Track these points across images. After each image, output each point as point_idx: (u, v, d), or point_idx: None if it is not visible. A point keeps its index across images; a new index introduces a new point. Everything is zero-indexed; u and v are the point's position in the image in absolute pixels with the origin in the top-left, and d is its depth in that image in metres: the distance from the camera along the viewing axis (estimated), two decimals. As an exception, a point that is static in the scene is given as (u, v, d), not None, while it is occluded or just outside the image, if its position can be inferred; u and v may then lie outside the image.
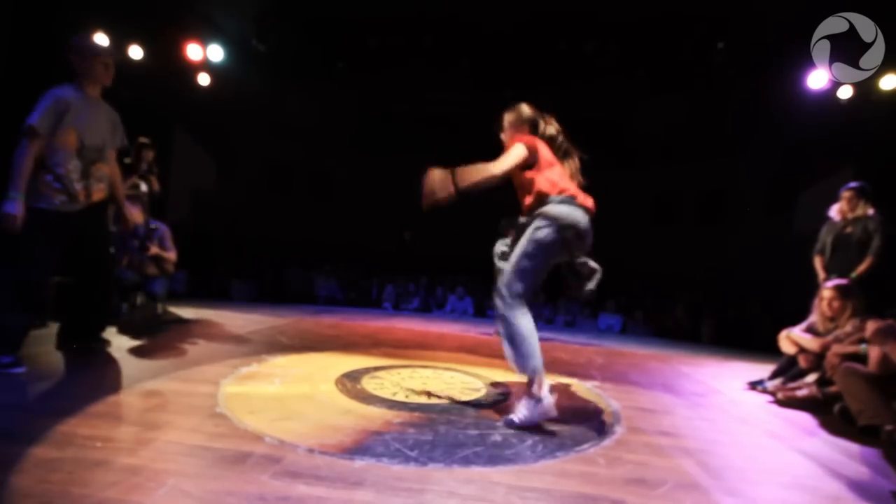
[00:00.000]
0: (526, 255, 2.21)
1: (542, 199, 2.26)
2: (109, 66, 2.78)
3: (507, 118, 2.53)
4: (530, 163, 2.30)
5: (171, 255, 4.27)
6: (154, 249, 4.13)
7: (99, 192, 2.81)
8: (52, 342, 2.91)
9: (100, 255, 2.91)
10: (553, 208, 2.22)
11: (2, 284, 2.52)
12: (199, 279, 7.63)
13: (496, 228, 4.65)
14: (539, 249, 2.20)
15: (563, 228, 2.20)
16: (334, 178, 11.28)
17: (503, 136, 2.55)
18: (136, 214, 4.11)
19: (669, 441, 2.15)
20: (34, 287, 2.58)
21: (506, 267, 2.28)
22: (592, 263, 2.43)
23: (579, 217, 2.24)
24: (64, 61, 2.72)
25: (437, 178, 2.07)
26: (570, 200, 2.27)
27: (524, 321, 2.18)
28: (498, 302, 2.23)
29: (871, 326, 2.64)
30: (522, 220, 2.36)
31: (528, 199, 2.33)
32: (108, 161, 2.85)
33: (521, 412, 2.14)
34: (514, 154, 2.26)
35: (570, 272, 2.46)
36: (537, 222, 2.23)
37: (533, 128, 2.47)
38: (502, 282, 2.24)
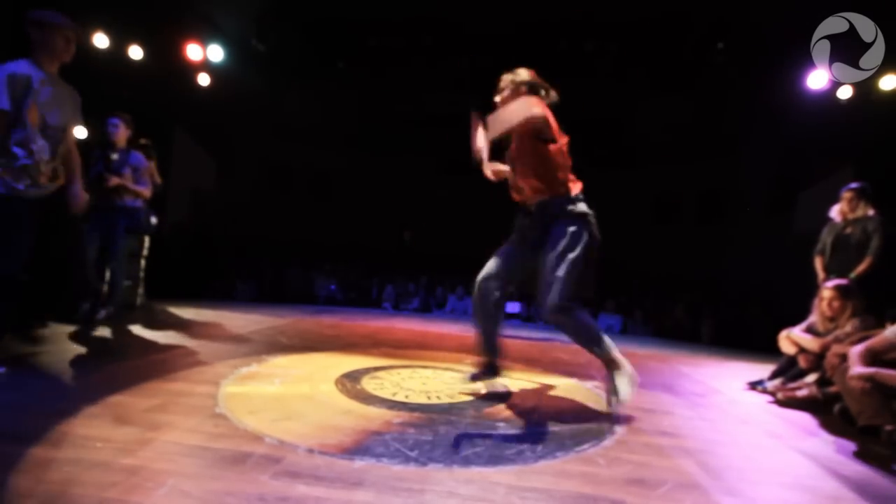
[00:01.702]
0: (575, 263, 2.24)
1: (566, 194, 2.30)
2: (71, 40, 2.58)
3: (506, 80, 2.48)
4: (544, 134, 2.28)
5: (145, 190, 4.14)
6: (115, 180, 3.91)
7: (62, 176, 2.66)
8: (52, 342, 2.91)
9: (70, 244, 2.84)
10: (584, 207, 2.30)
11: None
12: (199, 279, 7.62)
13: (496, 228, 4.65)
14: (584, 253, 2.25)
15: (592, 226, 2.28)
16: (334, 178, 11.28)
17: (498, 99, 2.49)
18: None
19: (669, 441, 2.14)
20: (7, 280, 2.44)
21: (554, 277, 2.25)
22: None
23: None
24: (24, 32, 2.55)
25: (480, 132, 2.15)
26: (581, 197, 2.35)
27: (583, 315, 2.32)
28: (559, 316, 2.26)
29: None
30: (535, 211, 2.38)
31: (546, 185, 2.33)
32: (68, 139, 2.70)
33: (623, 388, 2.28)
34: (537, 109, 2.20)
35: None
36: (571, 226, 2.27)
37: (533, 93, 2.41)
38: (559, 295, 2.23)
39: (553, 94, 2.47)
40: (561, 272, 2.23)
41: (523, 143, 2.36)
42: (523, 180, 2.42)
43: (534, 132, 2.29)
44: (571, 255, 2.22)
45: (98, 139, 4.12)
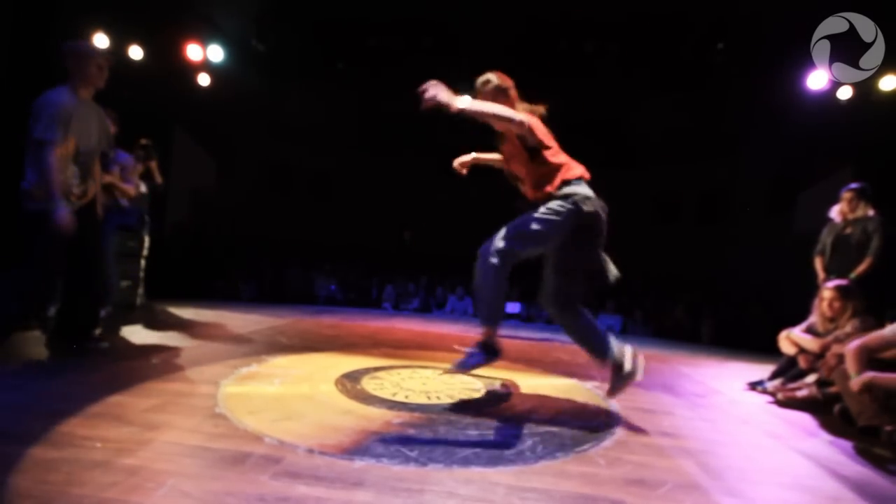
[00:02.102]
0: (535, 220, 2.21)
1: (564, 184, 2.26)
2: (103, 67, 2.77)
3: (480, 84, 2.48)
4: (533, 143, 2.27)
5: (129, 188, 4.17)
6: (107, 178, 3.94)
7: (92, 190, 2.85)
8: (52, 342, 2.91)
9: (92, 251, 2.92)
10: (575, 189, 2.24)
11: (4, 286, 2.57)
12: (199, 279, 7.62)
13: (496, 229, 4.65)
14: (555, 223, 2.20)
15: (580, 203, 2.20)
16: (334, 178, 11.28)
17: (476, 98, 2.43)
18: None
19: (669, 441, 2.14)
20: (39, 288, 2.64)
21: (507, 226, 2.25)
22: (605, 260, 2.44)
23: (590, 192, 2.27)
24: (60, 62, 2.72)
25: (443, 89, 2.10)
26: (580, 181, 2.29)
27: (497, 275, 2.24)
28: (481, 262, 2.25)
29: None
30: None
31: (540, 188, 2.30)
32: (97, 162, 2.90)
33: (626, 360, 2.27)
34: (522, 116, 2.23)
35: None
36: (557, 202, 2.22)
37: (503, 95, 2.41)
38: (497, 238, 2.24)
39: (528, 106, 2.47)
40: (514, 223, 2.25)
41: (513, 145, 2.36)
42: (520, 180, 2.44)
43: (518, 138, 2.30)
44: (535, 215, 2.21)
45: None
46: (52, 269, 2.68)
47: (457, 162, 2.72)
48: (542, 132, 2.32)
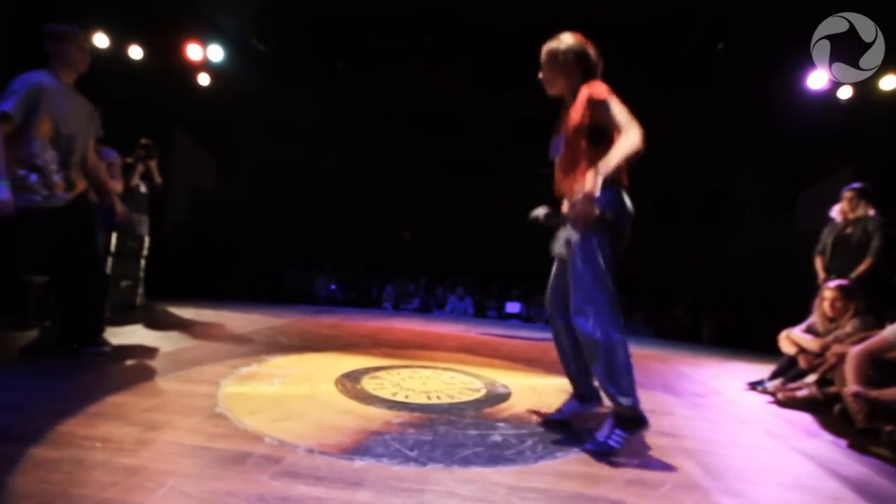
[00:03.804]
0: (586, 269, 1.94)
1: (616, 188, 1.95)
2: (84, 50, 2.68)
3: (546, 51, 2.12)
4: (604, 121, 1.92)
5: (116, 184, 4.09)
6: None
7: (81, 183, 2.73)
8: (52, 342, 2.91)
9: (87, 250, 2.83)
10: (622, 197, 1.97)
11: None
12: (199, 279, 7.62)
13: (496, 229, 4.65)
14: (597, 262, 1.93)
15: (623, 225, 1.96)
16: (334, 178, 11.28)
17: (541, 76, 2.15)
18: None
19: (669, 441, 2.14)
20: (6, 284, 2.55)
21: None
22: None
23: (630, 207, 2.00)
24: (40, 46, 2.63)
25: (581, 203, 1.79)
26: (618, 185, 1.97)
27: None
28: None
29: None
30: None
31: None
32: (86, 150, 2.77)
33: (614, 435, 1.90)
34: (618, 107, 1.89)
35: None
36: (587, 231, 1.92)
37: (585, 67, 2.05)
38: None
39: (600, 58, 2.12)
40: (577, 288, 1.94)
41: (576, 142, 2.01)
42: (568, 185, 2.06)
43: (589, 119, 1.96)
44: (581, 262, 1.93)
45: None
46: (16, 265, 2.57)
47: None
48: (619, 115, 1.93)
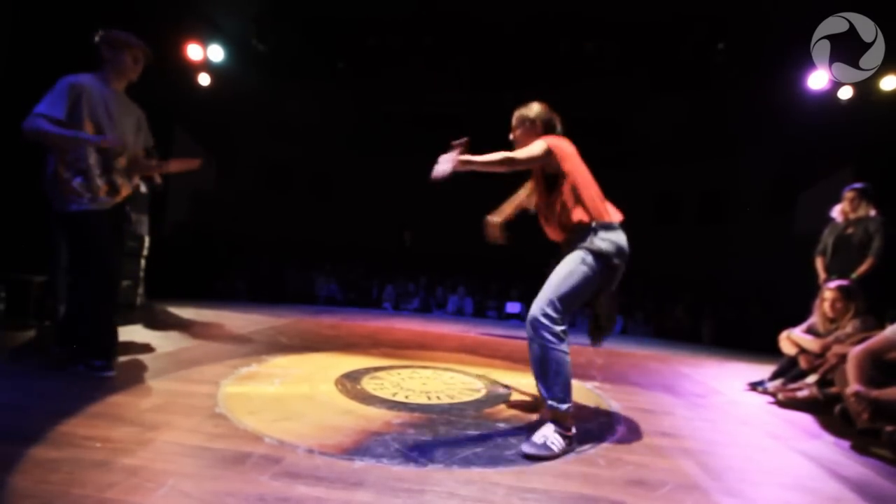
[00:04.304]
0: (569, 276, 2.02)
1: (584, 227, 2.06)
2: (139, 59, 2.65)
3: (517, 116, 2.30)
4: (553, 169, 2.09)
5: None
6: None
7: (125, 189, 2.66)
8: (52, 343, 2.90)
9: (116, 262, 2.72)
10: (601, 242, 2.03)
11: (82, 295, 2.51)
12: (199, 279, 7.62)
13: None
14: (585, 278, 2.01)
15: (610, 259, 2.03)
16: (334, 178, 11.28)
17: (512, 137, 2.33)
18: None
19: (670, 442, 2.14)
20: (115, 287, 2.54)
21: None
22: (614, 309, 2.28)
23: (624, 244, 2.08)
24: (95, 50, 2.58)
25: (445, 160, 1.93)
26: (615, 226, 2.09)
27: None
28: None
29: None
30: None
31: (567, 227, 2.11)
32: (134, 156, 2.72)
33: (548, 438, 1.91)
34: (536, 147, 2.06)
35: (590, 312, 2.29)
36: (582, 255, 2.03)
37: (548, 129, 2.25)
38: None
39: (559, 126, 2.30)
40: (550, 285, 2.03)
41: (537, 179, 2.23)
42: (552, 224, 2.22)
43: (542, 170, 2.16)
44: (568, 270, 2.02)
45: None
46: (111, 266, 2.54)
47: (491, 235, 2.49)
48: (570, 159, 2.11)
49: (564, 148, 2.12)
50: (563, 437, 1.93)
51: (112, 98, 2.57)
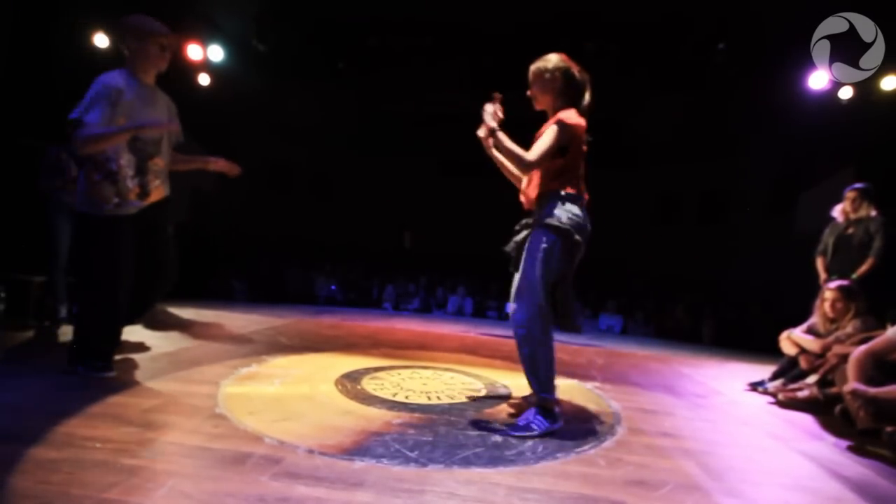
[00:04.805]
0: (532, 265, 2.10)
1: (551, 195, 2.12)
2: (166, 48, 2.47)
3: (533, 70, 2.26)
4: (563, 149, 2.10)
5: None
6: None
7: (157, 191, 2.54)
8: (52, 342, 2.90)
9: (157, 258, 2.61)
10: (563, 213, 2.09)
11: (90, 302, 2.45)
12: (199, 279, 7.62)
13: (496, 229, 4.66)
14: (546, 260, 2.08)
15: (569, 236, 2.08)
16: (334, 178, 11.27)
17: (529, 93, 2.29)
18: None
19: (670, 442, 2.14)
20: (120, 297, 2.42)
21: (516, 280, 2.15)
22: (570, 296, 2.29)
23: (584, 219, 2.15)
24: (119, 41, 2.46)
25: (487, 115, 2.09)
26: (578, 199, 2.15)
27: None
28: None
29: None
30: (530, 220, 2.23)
31: (536, 189, 2.18)
32: (169, 154, 2.59)
33: (535, 423, 2.06)
34: (548, 140, 2.07)
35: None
36: (540, 233, 2.11)
37: (568, 82, 2.20)
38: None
39: (586, 76, 2.26)
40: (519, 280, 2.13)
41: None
42: (527, 188, 2.29)
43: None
44: (530, 260, 2.10)
45: (51, 136, 3.92)
46: (123, 274, 2.43)
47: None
48: (575, 143, 2.14)
49: (575, 133, 2.12)
50: (547, 419, 2.08)
51: (144, 93, 2.45)
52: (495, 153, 2.29)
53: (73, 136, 2.26)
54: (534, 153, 2.08)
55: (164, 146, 2.56)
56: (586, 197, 2.22)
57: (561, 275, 2.16)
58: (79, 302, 2.65)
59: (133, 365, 2.75)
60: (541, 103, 2.30)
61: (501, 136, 2.08)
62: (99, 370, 2.42)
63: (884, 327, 2.74)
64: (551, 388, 2.13)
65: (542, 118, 2.33)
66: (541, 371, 2.11)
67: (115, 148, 2.34)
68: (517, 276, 2.18)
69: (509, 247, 2.33)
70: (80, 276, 2.74)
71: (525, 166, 2.11)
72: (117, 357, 2.82)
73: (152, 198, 2.52)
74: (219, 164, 2.81)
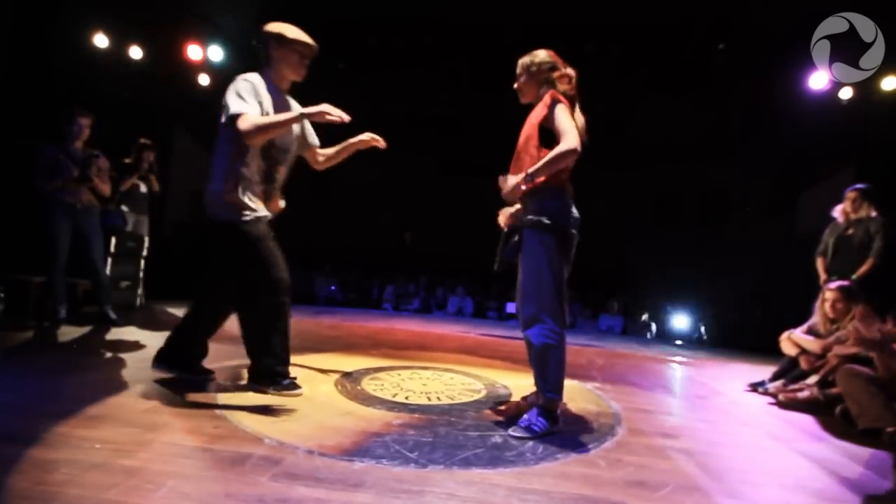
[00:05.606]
0: (534, 269, 2.10)
1: (539, 190, 2.08)
2: (305, 57, 2.44)
3: (520, 64, 2.28)
4: (553, 128, 2.07)
5: (105, 187, 4.05)
6: (97, 180, 3.89)
7: (276, 204, 2.50)
8: (52, 342, 2.90)
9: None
10: (551, 211, 2.08)
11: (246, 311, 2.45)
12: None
13: (496, 229, 4.65)
14: (547, 263, 2.07)
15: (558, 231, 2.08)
16: (334, 179, 11.25)
17: (516, 86, 2.31)
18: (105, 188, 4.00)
19: (670, 443, 2.14)
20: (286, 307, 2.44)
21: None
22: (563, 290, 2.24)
23: (572, 208, 2.14)
24: (257, 48, 2.43)
25: (507, 186, 2.10)
26: (564, 191, 2.14)
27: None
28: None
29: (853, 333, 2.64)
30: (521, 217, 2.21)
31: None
32: (288, 165, 2.51)
33: (536, 423, 2.06)
34: (563, 119, 2.03)
35: None
36: (535, 233, 2.09)
37: (549, 75, 2.21)
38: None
39: (572, 72, 2.26)
40: (523, 287, 2.14)
41: (527, 144, 2.18)
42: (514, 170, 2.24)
43: (541, 123, 2.13)
44: (529, 264, 2.11)
45: (50, 135, 3.89)
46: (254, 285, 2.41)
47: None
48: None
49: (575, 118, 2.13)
50: (547, 420, 2.07)
51: (279, 99, 2.38)
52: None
53: (233, 129, 2.17)
54: (567, 138, 1.99)
55: (291, 156, 2.50)
56: (571, 189, 2.20)
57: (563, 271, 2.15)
58: (196, 314, 2.60)
59: (132, 366, 2.75)
60: (527, 96, 2.30)
61: (534, 170, 2.03)
62: (288, 387, 2.35)
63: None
64: (559, 389, 2.11)
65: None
66: (550, 372, 2.08)
67: (248, 153, 2.27)
68: (520, 279, 2.18)
69: (505, 251, 2.31)
70: (202, 286, 2.69)
71: (573, 153, 2.00)
72: (116, 357, 2.83)
73: (273, 208, 2.49)
74: (364, 141, 2.68)
